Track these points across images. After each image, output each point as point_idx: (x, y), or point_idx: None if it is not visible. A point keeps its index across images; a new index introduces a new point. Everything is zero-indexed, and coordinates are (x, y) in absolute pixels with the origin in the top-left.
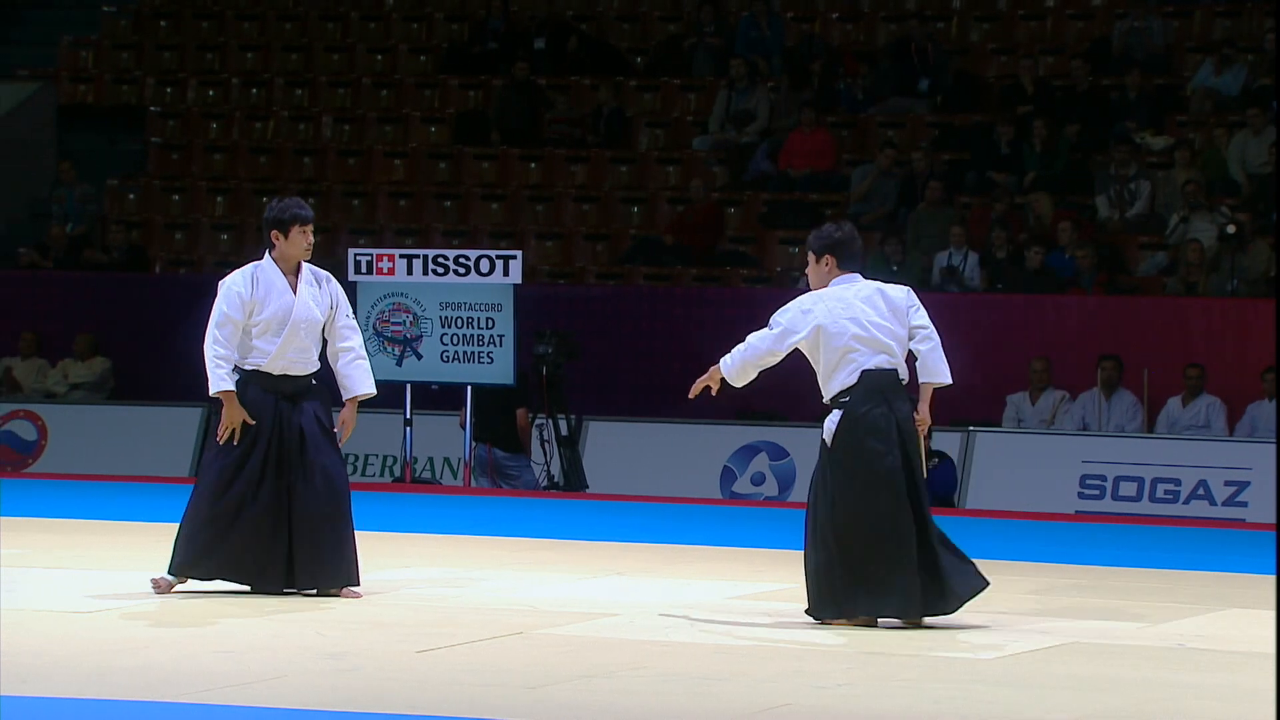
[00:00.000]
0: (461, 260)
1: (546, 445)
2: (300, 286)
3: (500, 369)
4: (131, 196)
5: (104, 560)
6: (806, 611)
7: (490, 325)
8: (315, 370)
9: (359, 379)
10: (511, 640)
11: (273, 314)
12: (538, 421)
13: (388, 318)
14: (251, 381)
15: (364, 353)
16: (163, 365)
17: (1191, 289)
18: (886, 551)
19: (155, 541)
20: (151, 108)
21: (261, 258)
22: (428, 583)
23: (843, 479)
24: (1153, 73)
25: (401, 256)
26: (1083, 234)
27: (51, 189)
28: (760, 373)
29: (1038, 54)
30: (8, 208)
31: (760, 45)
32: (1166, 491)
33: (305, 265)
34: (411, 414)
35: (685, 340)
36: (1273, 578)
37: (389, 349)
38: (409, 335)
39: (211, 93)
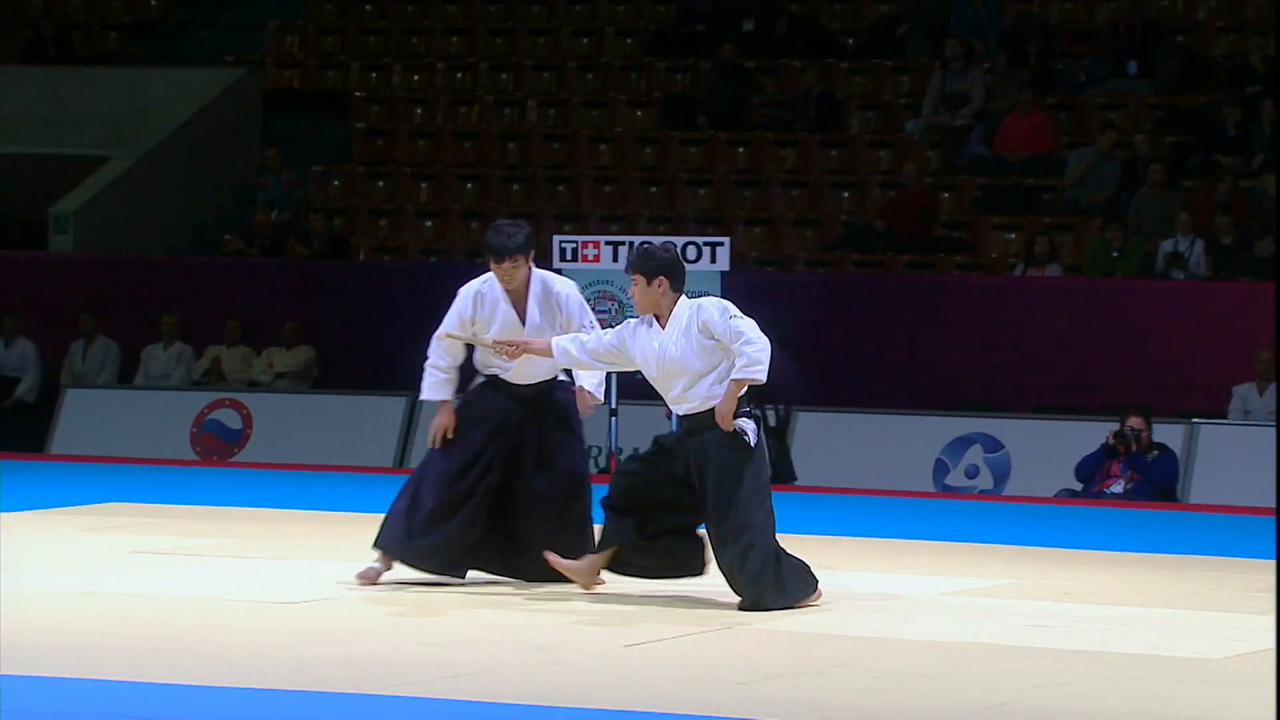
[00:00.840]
0: (668, 247)
1: None
2: (529, 305)
3: None
4: (336, 183)
5: (308, 551)
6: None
7: None
8: (556, 374)
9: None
10: (720, 634)
11: (499, 333)
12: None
13: (593, 305)
14: (489, 388)
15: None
16: (367, 354)
17: None
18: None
19: (359, 532)
20: (356, 93)
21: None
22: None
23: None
24: None
25: (607, 243)
26: None
27: (257, 175)
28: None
29: (1269, 31)
30: (214, 195)
31: (976, 25)
32: None
33: (538, 274)
34: (617, 403)
35: (896, 329)
36: None
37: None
38: (614, 323)
39: (416, 77)
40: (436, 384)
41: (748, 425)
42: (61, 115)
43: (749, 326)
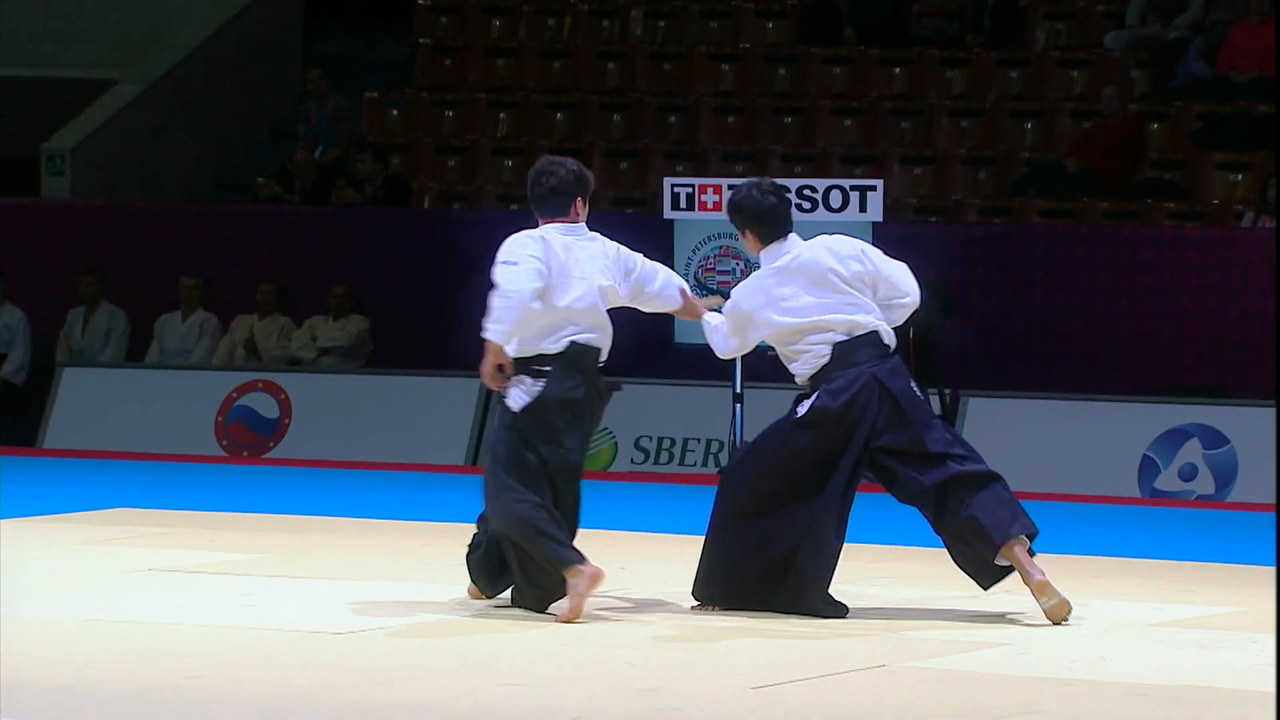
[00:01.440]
0: (807, 192)
1: None
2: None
3: None
4: (394, 113)
5: (361, 569)
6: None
7: None
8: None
9: None
10: (871, 674)
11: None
12: None
13: (713, 265)
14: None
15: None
16: (433, 326)
17: None
18: None
19: (424, 545)
20: (420, 1)
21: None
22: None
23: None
24: None
25: (730, 188)
26: None
27: (297, 104)
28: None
29: None
30: (245, 127)
31: None
32: None
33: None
34: (743, 387)
35: (1093, 294)
36: None
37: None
38: None
39: None
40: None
41: (515, 392)
42: (57, 29)
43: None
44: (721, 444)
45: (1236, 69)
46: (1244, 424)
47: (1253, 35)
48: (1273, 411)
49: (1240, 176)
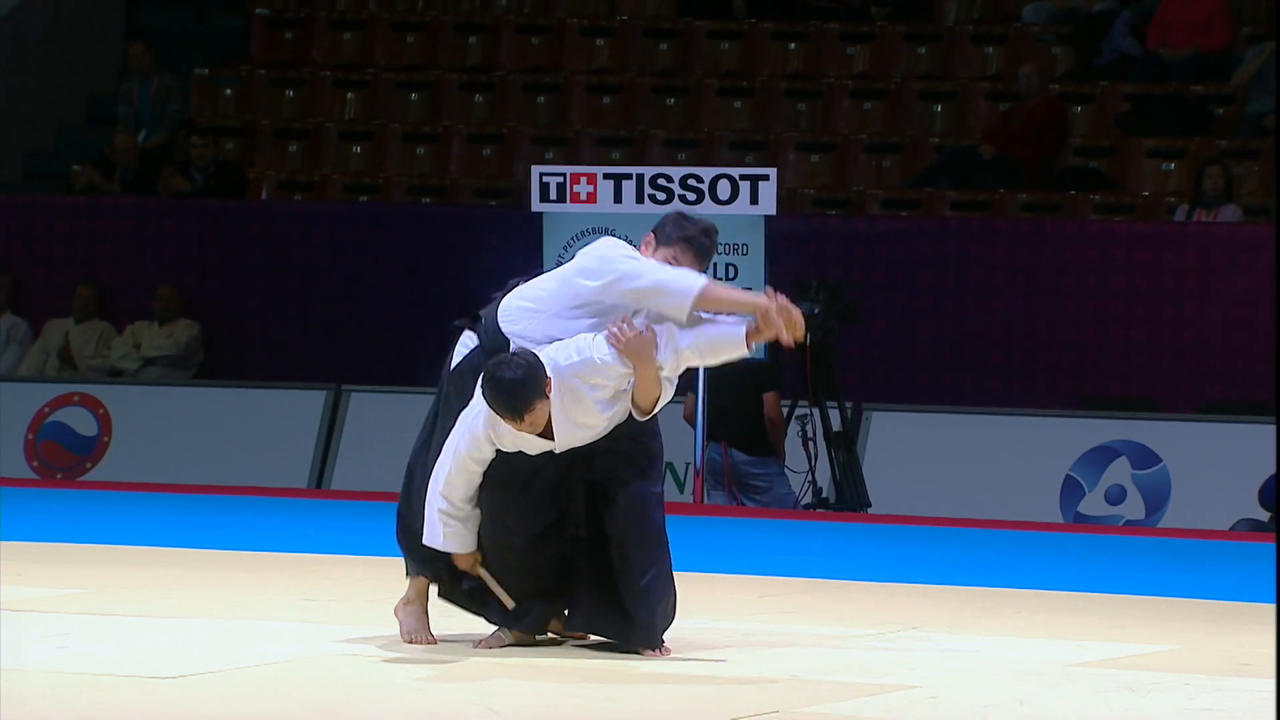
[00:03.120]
0: (692, 182)
1: (810, 445)
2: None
3: None
4: (228, 92)
5: (194, 605)
6: None
7: (732, 275)
8: None
9: None
10: None
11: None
12: (798, 411)
13: None
14: None
15: None
16: (272, 332)
17: None
18: None
19: (263, 579)
20: None
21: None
22: None
23: None
24: None
25: (606, 177)
26: None
27: (118, 83)
28: None
29: None
30: (58, 109)
31: None
32: None
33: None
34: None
35: (1011, 295)
36: None
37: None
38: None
39: None
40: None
41: None
42: None
43: None
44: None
45: (1169, 45)
46: (1177, 441)
47: (1186, 8)
48: (1207, 427)
49: (1173, 165)
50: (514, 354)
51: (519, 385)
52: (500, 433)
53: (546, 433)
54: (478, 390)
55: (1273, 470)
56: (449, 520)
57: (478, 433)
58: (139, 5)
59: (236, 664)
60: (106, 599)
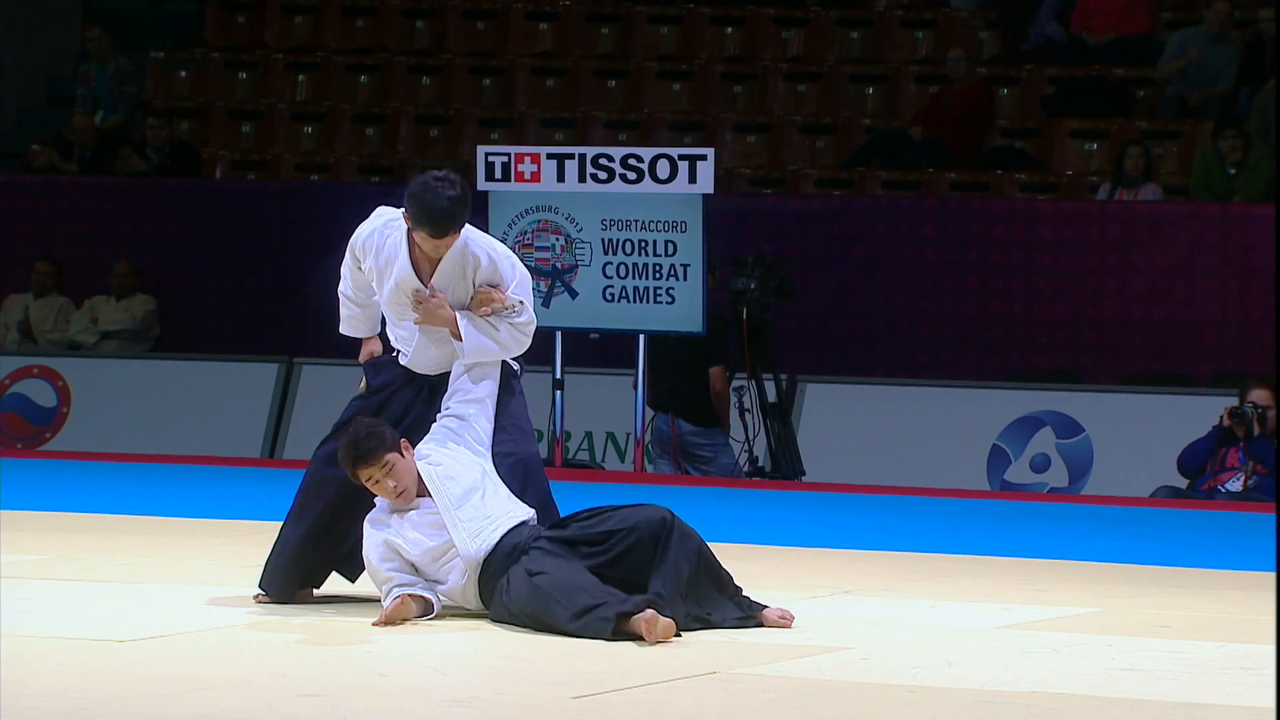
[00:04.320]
0: (632, 162)
1: (748, 416)
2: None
3: (685, 311)
4: (183, 74)
5: (148, 570)
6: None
7: (671, 251)
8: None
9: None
10: (701, 682)
11: (392, 291)
12: (736, 384)
13: (530, 241)
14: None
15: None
16: (226, 306)
17: None
18: None
19: (216, 545)
20: None
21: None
22: None
23: None
24: None
25: (549, 157)
26: None
27: (75, 65)
28: None
29: None
30: (17, 90)
31: None
32: None
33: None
34: (563, 373)
35: (940, 271)
36: None
37: (532, 283)
38: (559, 265)
39: None
40: (350, 317)
41: None
42: None
43: None
44: (541, 433)
45: (1092, 30)
46: (1099, 411)
47: None
48: (1129, 398)
49: (1095, 146)
50: (452, 176)
51: (456, 202)
52: (374, 247)
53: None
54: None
55: (1190, 439)
56: (346, 304)
57: (354, 243)
58: None
59: (193, 627)
60: (65, 565)
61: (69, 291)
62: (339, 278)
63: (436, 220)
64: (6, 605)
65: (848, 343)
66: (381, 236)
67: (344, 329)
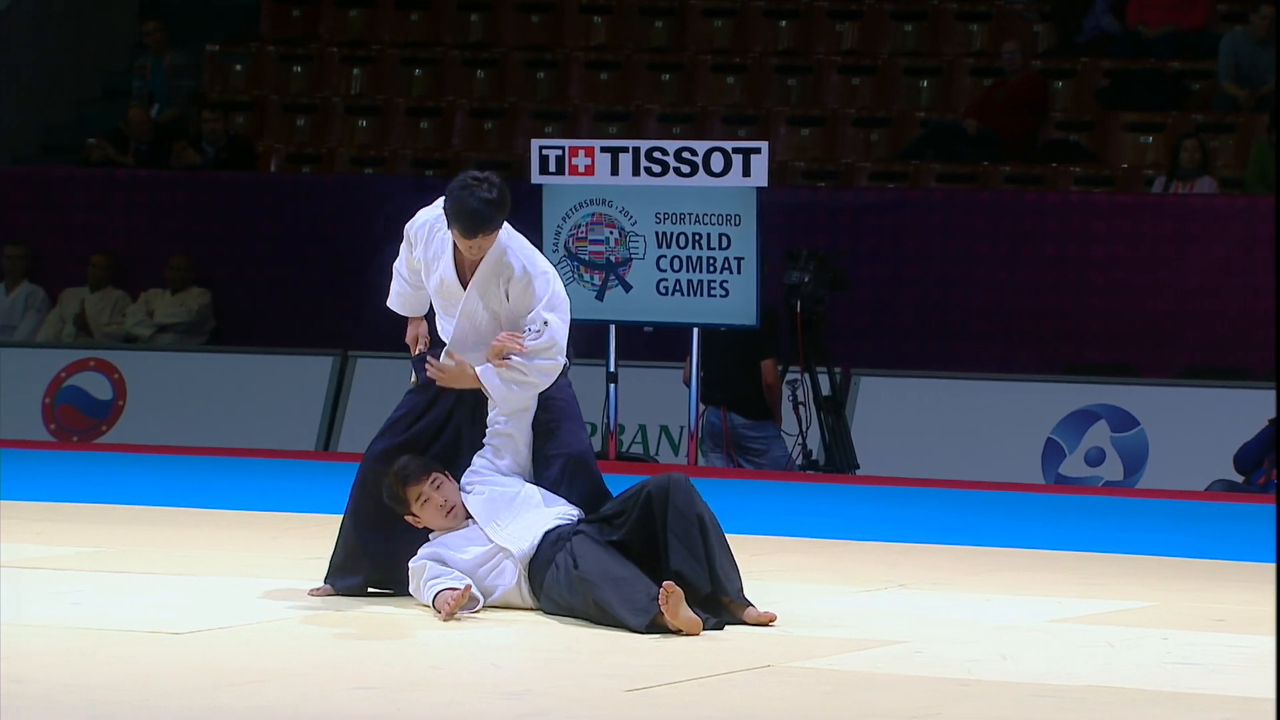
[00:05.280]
0: (686, 155)
1: (802, 409)
2: (480, 267)
3: (739, 305)
4: (238, 68)
5: (205, 563)
6: None
7: (725, 245)
8: None
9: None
10: (756, 675)
11: (437, 289)
12: (789, 377)
13: (584, 234)
14: None
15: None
16: (281, 300)
17: None
18: None
19: (271, 538)
20: None
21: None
22: None
23: None
24: None
25: (603, 150)
26: None
27: (132, 58)
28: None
29: None
30: (75, 84)
31: None
32: None
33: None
34: (616, 366)
35: (994, 265)
36: None
37: (586, 276)
38: (613, 258)
39: None
40: (399, 293)
41: None
42: None
43: None
44: (594, 426)
45: (1147, 23)
46: (1154, 405)
47: None
48: (1184, 391)
49: (1151, 139)
50: (492, 178)
51: (490, 205)
52: (423, 238)
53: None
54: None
55: (1249, 433)
56: (398, 279)
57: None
58: None
59: (245, 620)
60: (120, 557)
61: (125, 285)
62: (393, 272)
63: (467, 220)
64: (60, 596)
65: (901, 336)
66: (432, 229)
67: (391, 303)
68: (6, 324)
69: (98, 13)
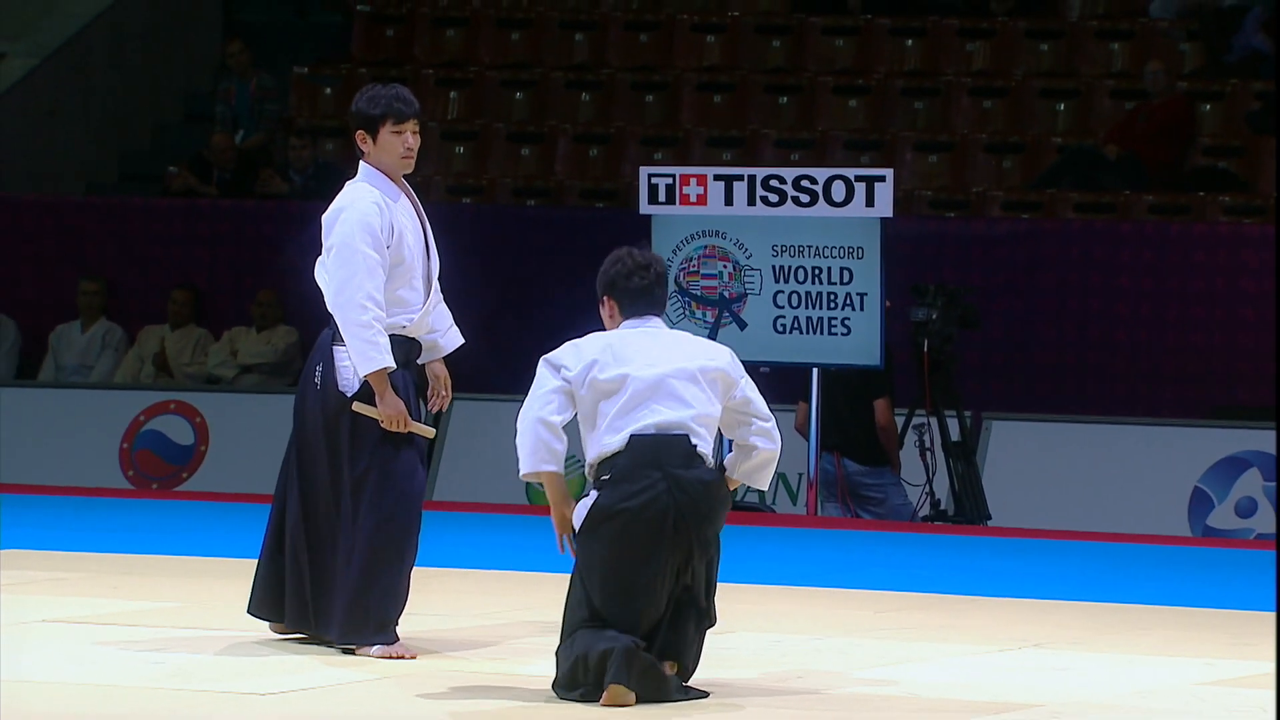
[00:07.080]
0: (805, 183)
1: (928, 455)
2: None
3: (861, 343)
4: (328, 91)
5: None
6: None
7: (847, 279)
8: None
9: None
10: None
11: (413, 258)
12: (915, 421)
13: (696, 268)
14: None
15: None
16: None
17: None
18: None
19: None
20: None
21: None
22: (750, 653)
23: None
24: None
25: (716, 178)
26: None
27: (215, 81)
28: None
29: None
30: (154, 109)
31: None
32: None
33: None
34: None
35: (1136, 300)
36: None
37: (698, 312)
38: (727, 294)
39: None
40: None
41: None
42: None
43: None
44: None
45: None
46: None
47: None
48: None
49: None
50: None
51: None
52: None
53: None
54: None
55: None
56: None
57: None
58: (237, 1)
59: (332, 680)
60: (201, 612)
61: (207, 322)
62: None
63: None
64: (142, 654)
65: (1036, 377)
66: (379, 204)
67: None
68: (82, 364)
69: (179, 33)
